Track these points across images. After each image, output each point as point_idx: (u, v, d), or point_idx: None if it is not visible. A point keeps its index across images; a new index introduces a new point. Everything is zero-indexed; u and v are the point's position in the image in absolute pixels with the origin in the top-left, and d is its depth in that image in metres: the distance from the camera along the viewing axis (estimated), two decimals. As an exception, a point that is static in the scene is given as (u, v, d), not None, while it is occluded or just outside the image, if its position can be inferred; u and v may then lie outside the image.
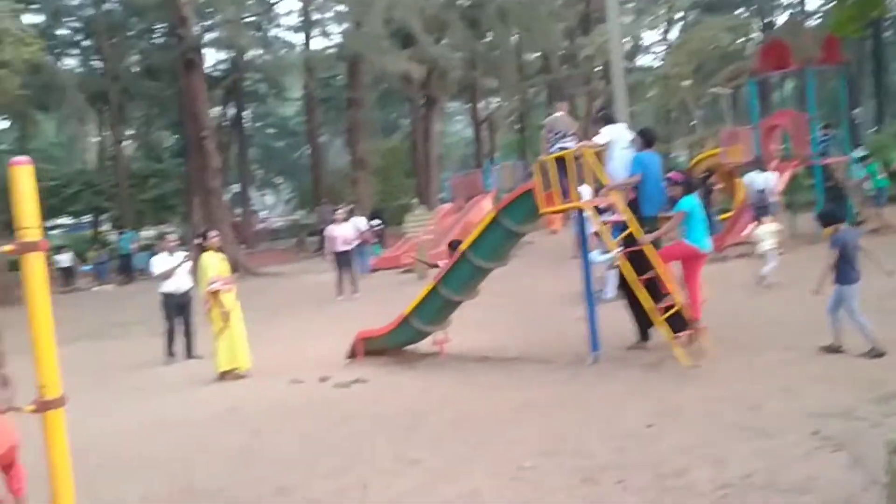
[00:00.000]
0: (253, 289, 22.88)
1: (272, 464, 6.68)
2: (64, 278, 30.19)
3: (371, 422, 7.62)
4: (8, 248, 3.88)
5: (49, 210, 40.34)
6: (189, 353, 12.14)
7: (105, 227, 42.80)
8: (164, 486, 6.40)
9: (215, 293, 10.24)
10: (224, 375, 10.26)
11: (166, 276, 12.00)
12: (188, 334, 12.20)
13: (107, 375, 11.63)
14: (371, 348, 10.55)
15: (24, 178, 3.87)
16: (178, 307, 12.06)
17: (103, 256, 30.70)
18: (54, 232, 46.25)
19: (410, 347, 10.82)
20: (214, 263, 10.43)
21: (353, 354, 10.63)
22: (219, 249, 10.72)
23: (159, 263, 12.21)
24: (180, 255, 12.20)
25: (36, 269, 3.85)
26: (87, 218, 46.40)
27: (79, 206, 40.84)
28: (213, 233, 10.93)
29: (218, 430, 7.92)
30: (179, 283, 12.02)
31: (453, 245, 12.95)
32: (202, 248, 10.66)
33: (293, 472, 6.39)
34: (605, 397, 7.55)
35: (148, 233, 39.69)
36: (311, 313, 15.98)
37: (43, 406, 3.83)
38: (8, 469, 3.58)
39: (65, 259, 30.59)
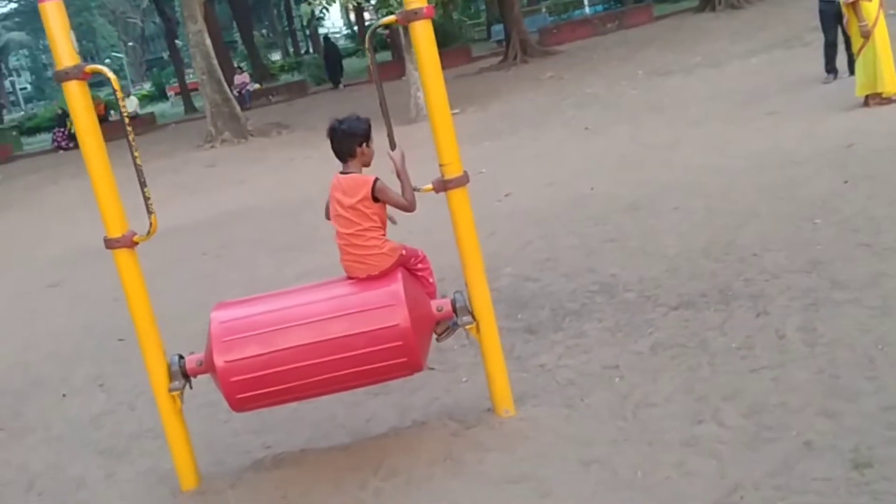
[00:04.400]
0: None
1: (836, 224, 5.54)
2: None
3: None
4: (390, 19, 3.74)
5: None
6: (851, 70, 10.57)
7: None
8: (703, 238, 5.89)
9: (854, 4, 8.51)
10: (868, 101, 8.74)
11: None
12: (850, 48, 10.57)
13: (758, 96, 10.92)
14: None
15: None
16: (837, 17, 10.43)
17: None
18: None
19: None
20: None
21: None
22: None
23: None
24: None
25: (424, 36, 3.66)
26: None
27: None
28: None
29: (812, 172, 6.85)
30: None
31: None
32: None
33: (845, 241, 5.22)
34: None
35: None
36: None
37: (442, 185, 3.76)
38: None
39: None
